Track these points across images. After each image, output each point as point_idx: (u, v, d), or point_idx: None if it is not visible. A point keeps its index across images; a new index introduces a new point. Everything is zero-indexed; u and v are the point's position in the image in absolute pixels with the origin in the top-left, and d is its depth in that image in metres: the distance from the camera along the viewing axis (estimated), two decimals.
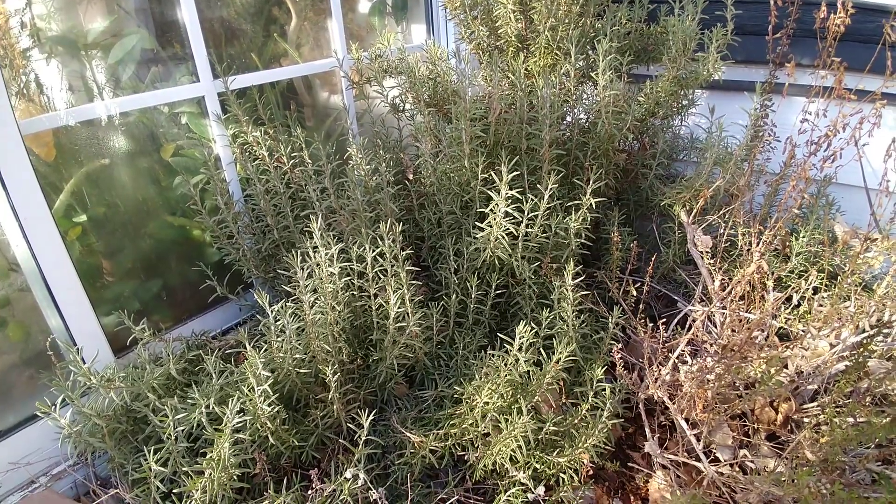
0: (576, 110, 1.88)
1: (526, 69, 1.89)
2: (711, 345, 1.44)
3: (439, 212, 1.88)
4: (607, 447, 1.59)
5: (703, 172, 1.73)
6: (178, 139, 1.91)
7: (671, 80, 1.82)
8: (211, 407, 1.39)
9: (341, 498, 1.43)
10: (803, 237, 1.86)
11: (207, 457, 1.36)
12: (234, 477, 1.41)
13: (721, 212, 1.79)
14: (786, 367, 1.66)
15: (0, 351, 1.61)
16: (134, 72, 1.80)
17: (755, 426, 1.65)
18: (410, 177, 1.95)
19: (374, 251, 1.57)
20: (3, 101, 1.41)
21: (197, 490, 1.36)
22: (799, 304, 1.74)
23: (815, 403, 1.62)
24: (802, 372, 1.64)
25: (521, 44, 1.99)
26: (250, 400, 1.39)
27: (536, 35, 1.89)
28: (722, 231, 1.73)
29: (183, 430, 1.42)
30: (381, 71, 2.04)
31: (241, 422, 1.35)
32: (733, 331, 1.42)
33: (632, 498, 1.68)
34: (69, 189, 1.70)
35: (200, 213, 1.82)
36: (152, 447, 1.39)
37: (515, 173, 1.57)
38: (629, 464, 1.74)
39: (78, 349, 1.42)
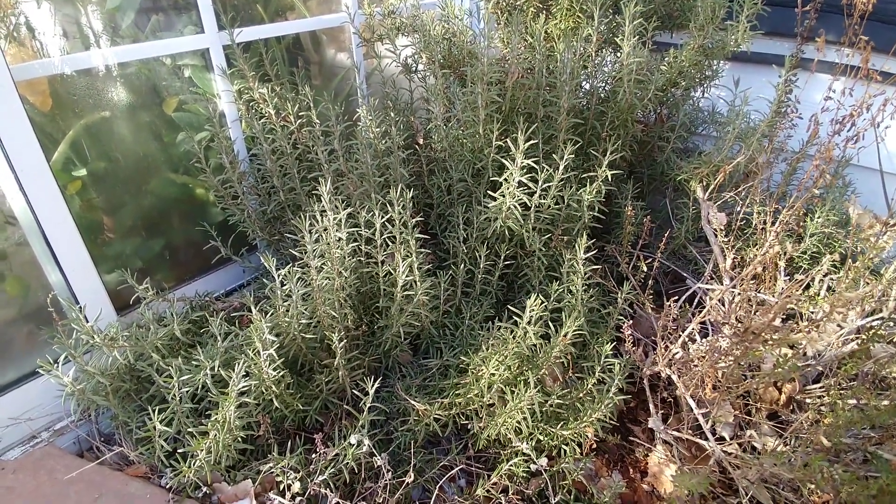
0: (595, 78, 1.81)
1: (546, 32, 1.81)
2: (724, 324, 1.43)
3: (450, 179, 1.83)
4: (610, 421, 1.59)
5: (723, 147, 1.68)
6: (180, 93, 1.84)
7: (696, 48, 1.75)
8: (216, 369, 1.38)
9: (345, 462, 1.43)
10: (818, 218, 1.83)
11: (212, 418, 1.35)
12: (239, 438, 1.41)
13: (738, 189, 1.75)
14: (792, 347, 1.66)
15: None
16: (133, 20, 1.71)
17: (757, 405, 1.66)
18: (420, 141, 1.89)
19: (383, 217, 1.53)
20: None
21: (202, 450, 1.36)
22: (809, 286, 1.72)
23: (818, 385, 1.63)
24: (808, 354, 1.64)
25: (541, 4, 1.90)
26: (255, 364, 1.37)
27: None
28: (738, 209, 1.69)
29: (187, 392, 1.41)
30: (393, 28, 1.95)
31: (246, 385, 1.34)
32: (747, 312, 1.40)
33: (631, 470, 1.70)
34: (68, 141, 1.63)
35: (204, 171, 1.77)
36: (157, 407, 1.38)
37: (531, 142, 1.52)
38: (630, 437, 1.75)
39: (81, 307, 1.39)
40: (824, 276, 1.68)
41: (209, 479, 1.42)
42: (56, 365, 1.33)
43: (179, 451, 1.41)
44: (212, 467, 1.40)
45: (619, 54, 1.67)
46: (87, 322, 1.40)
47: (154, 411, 1.36)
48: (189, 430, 1.41)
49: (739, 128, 1.67)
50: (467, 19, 2.00)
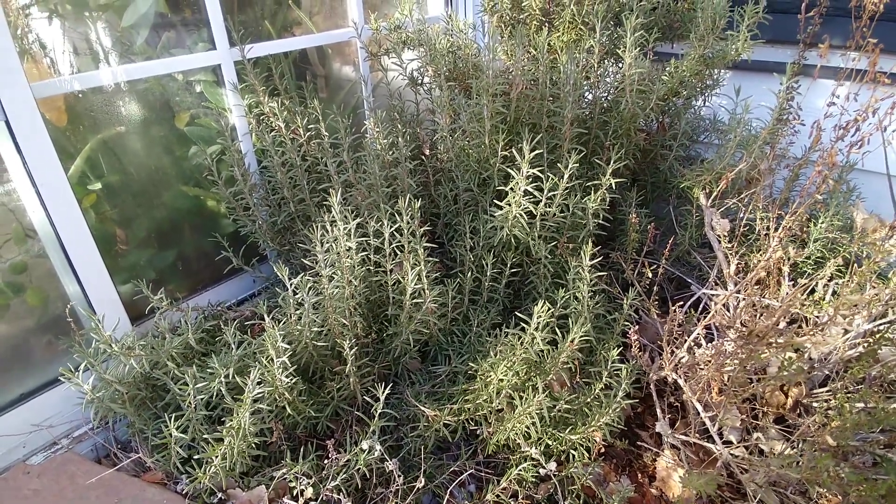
0: (598, 88, 1.85)
1: (549, 44, 1.85)
2: (728, 328, 1.45)
3: (456, 188, 1.86)
4: (618, 426, 1.61)
5: (725, 154, 1.70)
6: (192, 108, 1.89)
7: (697, 58, 1.78)
8: (231, 377, 1.41)
9: (356, 467, 1.46)
10: (822, 223, 1.85)
11: (227, 425, 1.38)
12: (253, 445, 1.44)
13: (740, 196, 1.77)
14: (797, 350, 1.67)
15: (19, 315, 1.62)
16: (146, 38, 1.77)
17: (764, 409, 1.67)
18: (427, 152, 1.93)
19: (391, 227, 1.57)
20: (13, 58, 1.38)
21: (217, 456, 1.39)
22: (813, 290, 1.73)
23: (825, 389, 1.64)
24: (813, 358, 1.65)
25: (544, 17, 1.94)
26: (269, 371, 1.40)
27: (561, 8, 1.84)
28: (741, 215, 1.71)
29: (202, 399, 1.44)
30: (399, 42, 1.99)
31: (260, 392, 1.36)
32: (752, 316, 1.42)
33: (639, 475, 1.71)
34: (83, 156, 1.68)
35: (216, 183, 1.81)
36: (172, 414, 1.41)
37: (536, 152, 1.55)
38: (638, 442, 1.77)
39: (99, 317, 1.43)
40: (829, 280, 1.70)
41: (224, 485, 1.45)
42: (77, 373, 1.36)
43: (195, 457, 1.44)
44: (226, 473, 1.43)
45: (620, 65, 1.70)
46: (105, 332, 1.44)
47: (170, 418, 1.40)
48: (204, 436, 1.44)
49: (741, 135, 1.70)
50: (472, 33, 2.04)
